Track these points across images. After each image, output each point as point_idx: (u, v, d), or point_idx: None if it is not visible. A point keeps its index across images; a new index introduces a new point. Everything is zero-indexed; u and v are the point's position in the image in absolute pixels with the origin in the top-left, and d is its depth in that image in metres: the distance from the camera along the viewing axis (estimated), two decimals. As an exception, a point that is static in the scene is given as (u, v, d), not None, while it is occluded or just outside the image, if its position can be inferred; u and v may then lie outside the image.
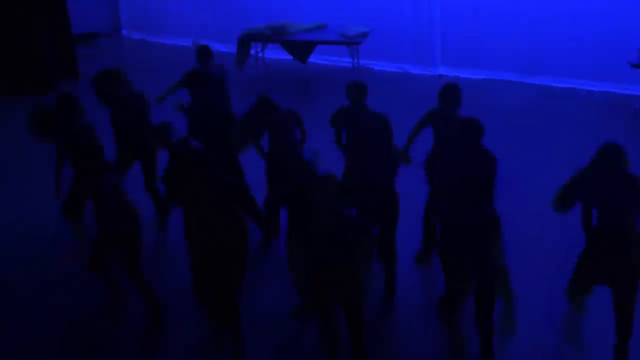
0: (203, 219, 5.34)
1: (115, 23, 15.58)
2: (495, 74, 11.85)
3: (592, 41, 11.08)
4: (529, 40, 11.54)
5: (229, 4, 13.95)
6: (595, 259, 5.25)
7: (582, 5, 11.11)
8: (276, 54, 12.81)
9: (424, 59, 12.45)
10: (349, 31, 11.89)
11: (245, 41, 12.17)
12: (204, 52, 7.69)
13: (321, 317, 5.21)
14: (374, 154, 5.87)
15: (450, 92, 6.41)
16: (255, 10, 13.60)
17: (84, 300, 6.46)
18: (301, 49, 12.26)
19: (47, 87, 11.69)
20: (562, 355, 5.63)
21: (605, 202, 5.11)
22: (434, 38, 12.33)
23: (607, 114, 10.37)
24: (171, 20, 14.80)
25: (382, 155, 5.88)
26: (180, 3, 14.62)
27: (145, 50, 14.38)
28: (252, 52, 12.38)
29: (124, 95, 7.11)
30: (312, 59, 12.50)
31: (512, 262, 5.50)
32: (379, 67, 12.58)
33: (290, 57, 12.52)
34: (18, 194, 8.40)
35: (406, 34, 12.49)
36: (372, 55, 12.44)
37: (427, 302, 6.27)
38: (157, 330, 6.03)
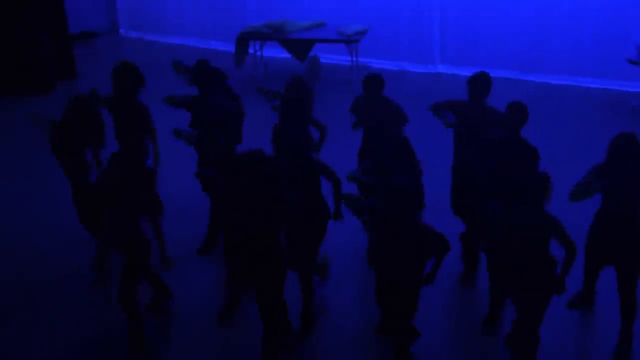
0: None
1: (113, 22, 15.56)
2: (494, 71, 11.69)
3: (590, 38, 11.11)
4: (527, 37, 11.57)
5: (227, 2, 13.94)
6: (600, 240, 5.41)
7: (580, 2, 11.14)
8: (275, 52, 12.80)
9: (422, 57, 12.46)
10: (348, 29, 11.89)
11: (244, 39, 12.16)
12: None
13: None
14: None
15: (482, 82, 6.39)
16: (254, 8, 13.61)
17: (84, 300, 6.46)
18: (300, 47, 12.25)
19: (45, 87, 11.70)
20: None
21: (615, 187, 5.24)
22: (432, 36, 12.34)
23: (606, 111, 10.40)
24: (169, 19, 14.79)
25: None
26: (179, 2, 14.61)
27: (144, 49, 14.36)
28: (251, 50, 12.37)
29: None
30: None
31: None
32: (378, 65, 12.58)
33: (289, 55, 12.52)
34: (18, 194, 8.40)
35: (405, 32, 12.50)
36: (371, 53, 12.45)
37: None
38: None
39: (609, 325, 5.67)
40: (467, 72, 11.89)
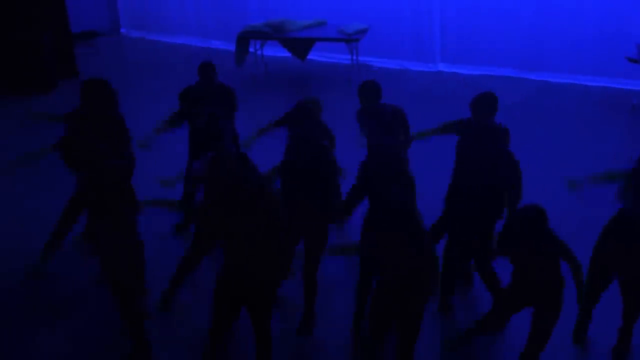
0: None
1: (115, 21, 15.57)
2: (494, 69, 11.88)
3: (590, 36, 11.11)
4: (527, 36, 11.57)
5: (228, 1, 13.95)
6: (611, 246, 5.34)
7: (580, 0, 11.13)
8: (275, 51, 12.81)
9: (423, 56, 12.46)
10: (348, 28, 11.90)
11: (244, 39, 12.17)
12: (206, 68, 7.31)
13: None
14: None
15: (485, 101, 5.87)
16: (255, 7, 13.61)
17: (85, 300, 6.47)
18: (300, 46, 12.25)
19: (46, 87, 11.71)
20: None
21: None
22: (433, 34, 12.35)
23: (606, 109, 10.40)
24: (171, 18, 14.80)
25: None
26: (180, 1, 14.62)
27: (145, 48, 14.38)
28: (251, 49, 12.38)
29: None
30: (311, 56, 12.49)
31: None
32: (379, 63, 12.60)
33: (289, 54, 12.53)
34: (18, 194, 8.41)
35: (405, 31, 12.51)
36: (372, 52, 12.46)
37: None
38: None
39: (608, 324, 5.68)
40: (467, 70, 12.02)
